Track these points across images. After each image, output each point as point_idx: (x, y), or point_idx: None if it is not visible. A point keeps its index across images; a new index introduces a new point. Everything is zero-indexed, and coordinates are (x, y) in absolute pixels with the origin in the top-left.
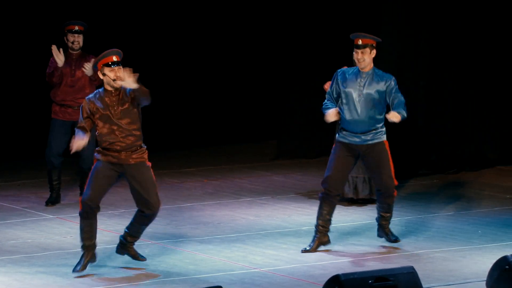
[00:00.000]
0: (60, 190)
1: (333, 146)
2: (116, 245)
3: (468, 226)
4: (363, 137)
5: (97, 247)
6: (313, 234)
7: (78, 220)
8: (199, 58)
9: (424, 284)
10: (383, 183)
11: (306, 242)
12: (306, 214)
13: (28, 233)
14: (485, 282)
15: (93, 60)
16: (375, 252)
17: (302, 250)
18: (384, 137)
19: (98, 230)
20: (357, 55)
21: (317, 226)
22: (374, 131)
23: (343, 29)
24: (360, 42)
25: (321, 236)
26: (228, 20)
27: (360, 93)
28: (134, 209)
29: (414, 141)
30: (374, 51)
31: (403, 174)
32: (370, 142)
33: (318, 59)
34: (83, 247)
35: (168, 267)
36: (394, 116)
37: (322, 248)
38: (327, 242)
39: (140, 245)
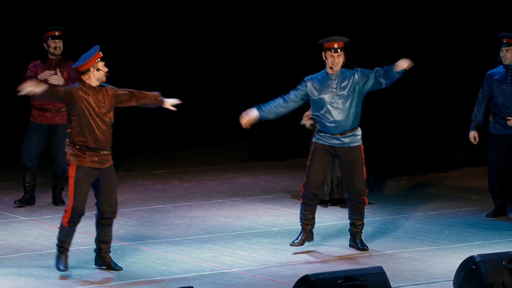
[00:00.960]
0: (34, 192)
1: (311, 149)
2: (94, 250)
3: (435, 226)
4: (342, 139)
5: (70, 249)
6: (300, 230)
7: (50, 222)
8: (170, 62)
9: (392, 284)
10: (355, 190)
11: (277, 242)
12: (276, 215)
13: (0, 234)
14: (452, 281)
15: (58, 70)
16: (344, 253)
17: (290, 244)
18: (361, 141)
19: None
20: (333, 59)
21: (302, 225)
22: (352, 133)
23: (311, 32)
24: (336, 45)
25: (307, 233)
26: (197, 24)
27: (334, 95)
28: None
29: (382, 143)
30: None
31: (372, 176)
32: (349, 144)
33: (287, 62)
34: (62, 248)
35: (140, 268)
36: (404, 62)
37: (306, 244)
38: (311, 239)
39: (112, 246)
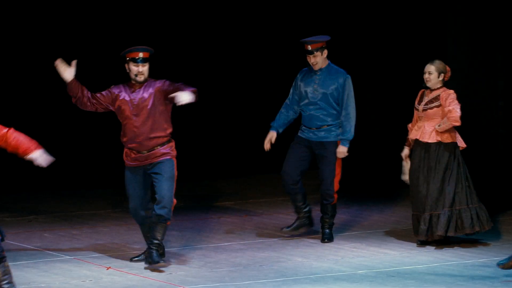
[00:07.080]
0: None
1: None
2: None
3: None
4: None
5: None
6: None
7: (98, 261)
8: (234, 91)
9: None
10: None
11: (363, 287)
12: (362, 256)
13: (41, 276)
14: None
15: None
16: None
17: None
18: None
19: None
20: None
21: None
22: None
23: (406, 51)
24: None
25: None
26: (239, 50)
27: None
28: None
29: (493, 168)
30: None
31: (488, 209)
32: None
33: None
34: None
35: None
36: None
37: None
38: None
39: None
